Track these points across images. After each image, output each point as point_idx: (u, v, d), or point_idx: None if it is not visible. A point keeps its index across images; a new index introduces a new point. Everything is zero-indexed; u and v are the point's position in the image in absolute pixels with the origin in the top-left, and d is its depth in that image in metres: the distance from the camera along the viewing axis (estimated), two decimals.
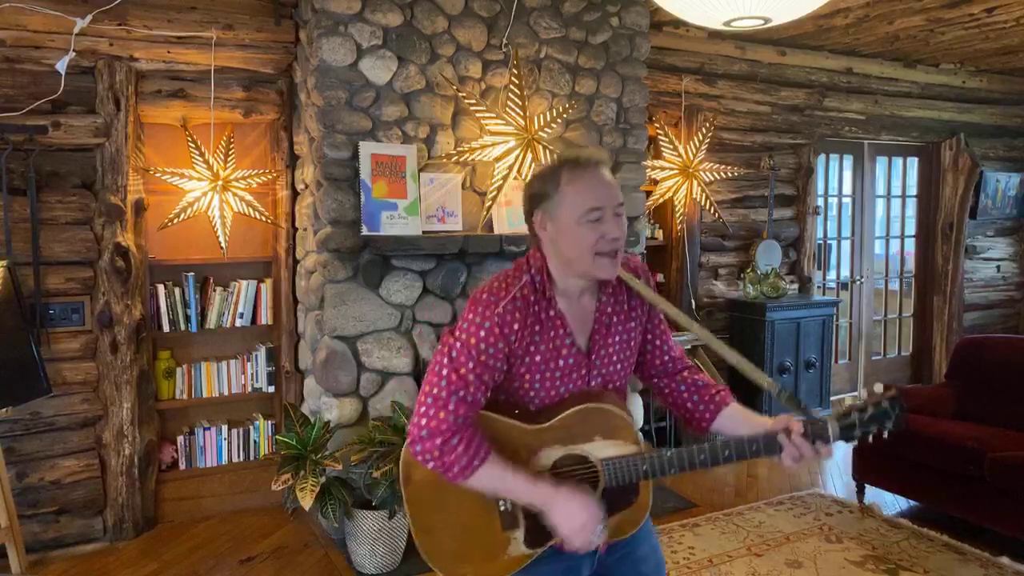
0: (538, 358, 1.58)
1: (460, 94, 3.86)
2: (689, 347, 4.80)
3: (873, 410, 1.53)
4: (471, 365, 1.51)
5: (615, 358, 1.67)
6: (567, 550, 1.57)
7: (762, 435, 1.56)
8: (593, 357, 1.64)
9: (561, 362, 1.60)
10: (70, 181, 3.68)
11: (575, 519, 1.51)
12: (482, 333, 1.52)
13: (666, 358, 1.78)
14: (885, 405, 1.54)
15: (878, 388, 1.61)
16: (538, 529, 1.59)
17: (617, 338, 1.67)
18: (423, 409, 1.51)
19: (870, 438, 1.57)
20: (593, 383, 1.65)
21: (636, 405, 4.53)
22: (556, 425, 1.59)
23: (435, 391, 1.51)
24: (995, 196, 6.90)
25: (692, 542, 3.68)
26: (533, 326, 1.57)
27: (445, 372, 1.52)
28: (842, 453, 5.02)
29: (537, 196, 1.59)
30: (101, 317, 3.69)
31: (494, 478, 1.52)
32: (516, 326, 1.54)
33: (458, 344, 1.53)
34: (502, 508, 1.62)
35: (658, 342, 1.77)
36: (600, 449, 1.59)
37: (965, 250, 6.78)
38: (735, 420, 1.72)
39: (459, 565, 1.65)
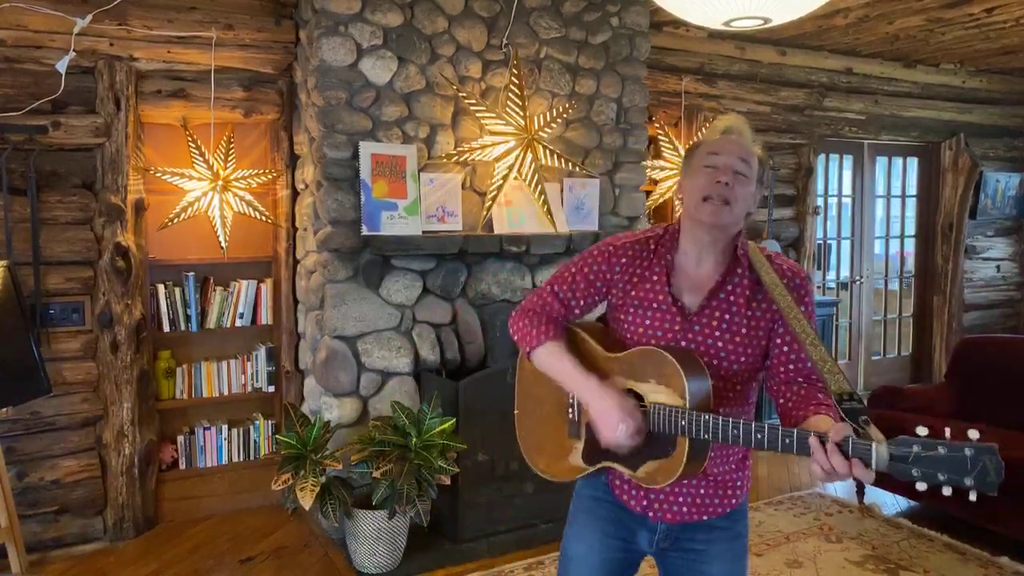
0: (634, 293, 1.69)
1: (460, 94, 3.86)
2: None
3: (945, 452, 1.21)
4: (572, 270, 1.76)
5: (716, 332, 1.62)
6: (600, 438, 1.61)
7: (799, 431, 1.39)
8: (692, 319, 1.64)
9: (655, 305, 1.67)
10: (70, 181, 3.68)
11: (604, 403, 1.59)
12: (595, 253, 1.75)
13: (790, 366, 1.64)
14: (968, 452, 1.20)
15: (973, 434, 1.22)
16: (594, 448, 1.70)
17: (727, 316, 1.63)
18: (528, 297, 1.82)
19: (946, 490, 1.24)
20: (684, 344, 1.63)
21: None
22: (624, 358, 1.67)
23: (540, 287, 1.82)
24: (995, 196, 6.91)
25: None
26: (641, 268, 1.70)
27: (553, 275, 1.80)
28: None
29: (688, 153, 1.74)
30: (101, 317, 3.69)
31: (555, 357, 1.70)
32: (624, 260, 1.71)
33: (574, 260, 1.79)
34: (570, 415, 1.77)
35: (785, 348, 1.64)
36: (653, 392, 1.60)
37: (965, 250, 6.78)
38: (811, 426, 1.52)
39: (536, 455, 1.87)
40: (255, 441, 4.21)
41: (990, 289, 7.19)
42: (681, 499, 1.69)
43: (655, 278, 1.68)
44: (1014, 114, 7.04)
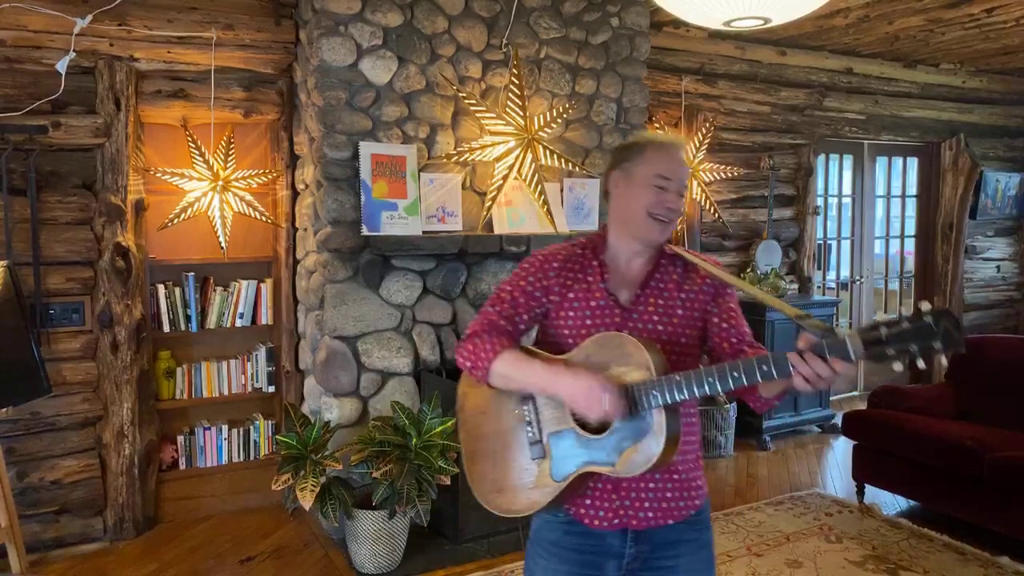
0: (571, 295, 1.72)
1: (460, 94, 3.86)
2: None
3: (909, 324, 1.31)
4: (509, 288, 1.76)
5: (655, 317, 1.70)
6: (580, 414, 1.59)
7: (773, 355, 1.44)
8: (630, 311, 1.70)
9: (593, 303, 1.71)
10: (70, 181, 3.68)
11: (581, 382, 1.56)
12: (525, 266, 1.78)
13: (733, 339, 1.73)
14: (927, 320, 1.29)
15: (925, 306, 1.32)
16: (564, 458, 1.66)
17: (662, 301, 1.72)
18: (470, 324, 1.77)
19: (917, 362, 1.31)
20: (626, 333, 1.67)
21: None
22: (577, 352, 1.67)
23: (480, 312, 1.78)
24: (995, 196, 6.91)
25: None
26: (573, 271, 1.75)
27: (490, 298, 1.78)
28: (843, 454, 5.03)
29: (622, 155, 1.78)
30: (101, 317, 3.69)
31: (513, 364, 1.66)
32: (556, 264, 1.75)
33: (505, 279, 1.80)
34: (530, 436, 1.70)
35: (725, 324, 1.74)
36: (617, 376, 1.60)
37: (965, 250, 6.78)
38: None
39: (496, 495, 1.76)
40: (255, 441, 4.21)
41: (990, 289, 7.19)
42: (648, 503, 1.69)
43: (590, 279, 1.73)
44: (1014, 114, 7.05)
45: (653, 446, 1.57)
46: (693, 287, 1.75)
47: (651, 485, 1.69)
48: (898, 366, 1.34)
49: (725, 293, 1.77)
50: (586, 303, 1.71)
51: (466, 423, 1.83)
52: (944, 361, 1.32)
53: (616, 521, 1.69)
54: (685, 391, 1.52)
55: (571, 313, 1.72)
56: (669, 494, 1.70)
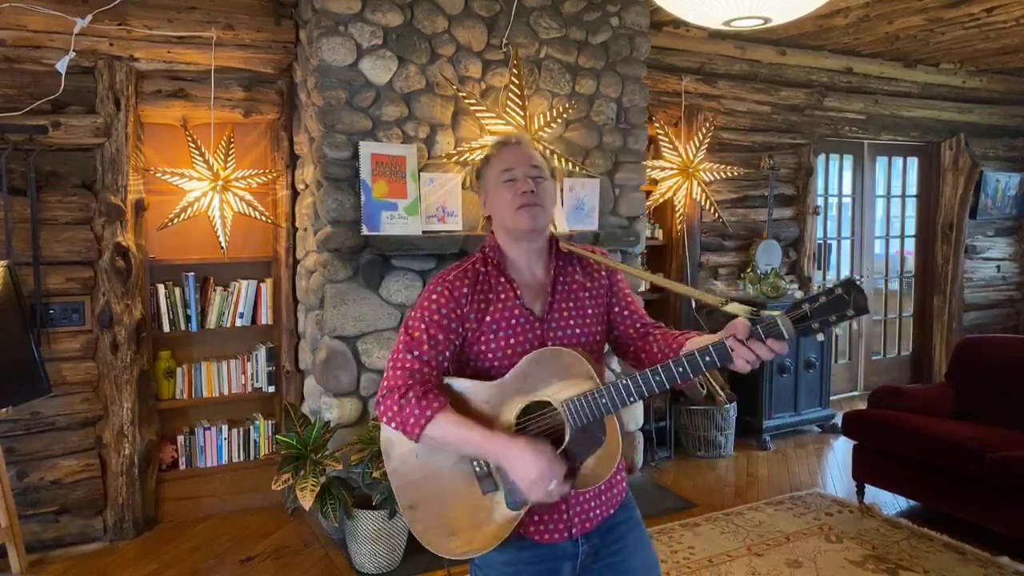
0: (488, 318, 1.67)
1: (460, 94, 3.86)
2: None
3: (826, 299, 1.44)
4: (422, 326, 1.64)
5: (571, 322, 1.72)
6: (532, 501, 1.57)
7: (711, 344, 1.50)
8: (547, 320, 1.71)
9: (513, 321, 1.68)
10: (70, 181, 3.68)
11: (531, 469, 1.52)
12: (433, 296, 1.67)
13: (638, 324, 1.81)
14: (839, 291, 1.43)
15: (832, 281, 1.50)
16: (518, 487, 1.59)
17: (571, 303, 1.74)
18: (385, 374, 1.65)
19: (834, 329, 1.43)
20: (549, 344, 1.68)
21: (636, 407, 4.53)
22: (513, 375, 1.63)
23: (393, 356, 1.65)
24: (995, 196, 6.91)
25: (692, 542, 3.68)
26: (484, 292, 1.69)
27: (402, 338, 1.66)
28: (843, 454, 5.03)
29: (478, 178, 1.81)
30: (101, 317, 3.69)
31: (449, 429, 1.56)
32: (465, 290, 1.67)
33: (413, 314, 1.68)
34: (477, 470, 1.63)
35: (626, 312, 1.81)
36: (560, 391, 1.59)
37: (965, 250, 6.78)
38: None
39: (448, 539, 1.66)
40: (255, 441, 4.21)
41: (990, 289, 7.19)
42: (593, 502, 1.71)
43: (503, 295, 1.69)
44: (1014, 114, 7.04)
45: (614, 450, 1.59)
46: (594, 283, 1.79)
47: (590, 489, 1.69)
48: (820, 336, 1.50)
49: (618, 281, 1.82)
50: (506, 323, 1.67)
51: (398, 471, 1.70)
52: (856, 326, 1.45)
53: (567, 533, 1.69)
54: (635, 394, 1.54)
55: (491, 336, 1.66)
56: (603, 486, 1.72)
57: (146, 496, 3.85)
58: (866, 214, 6.64)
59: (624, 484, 1.81)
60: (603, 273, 1.80)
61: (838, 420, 5.20)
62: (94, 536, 3.76)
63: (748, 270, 5.59)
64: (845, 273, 6.59)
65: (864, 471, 4.16)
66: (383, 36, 3.71)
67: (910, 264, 7.02)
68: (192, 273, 4.04)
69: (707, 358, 1.49)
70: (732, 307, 1.53)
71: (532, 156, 1.75)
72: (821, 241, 6.28)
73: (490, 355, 1.66)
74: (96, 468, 3.77)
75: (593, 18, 4.25)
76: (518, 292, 1.70)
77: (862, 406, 4.52)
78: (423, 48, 3.81)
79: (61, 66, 3.51)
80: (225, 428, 4.14)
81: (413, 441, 1.60)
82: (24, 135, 3.50)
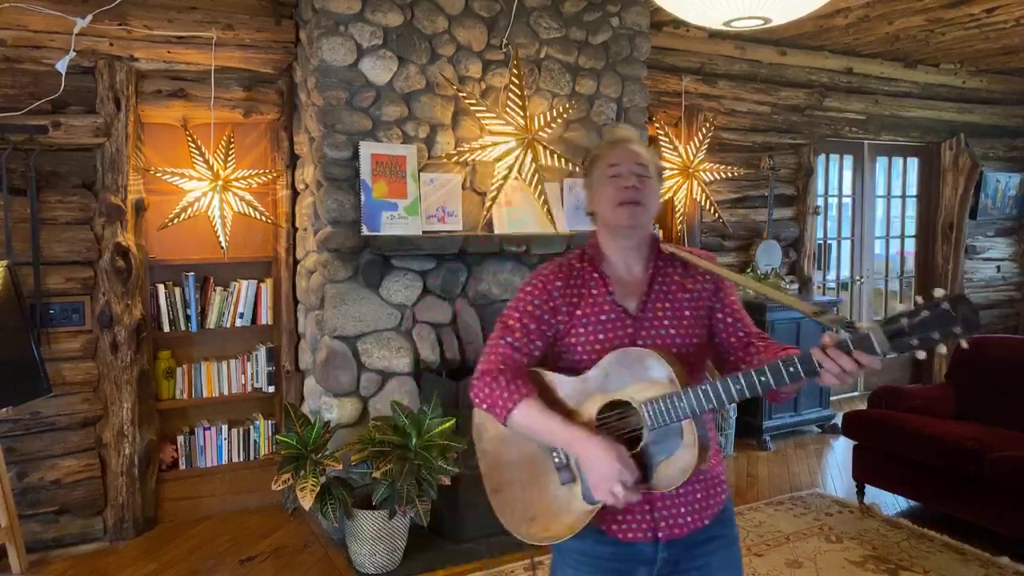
0: (579, 312, 1.69)
1: (460, 94, 3.86)
2: None
3: (929, 313, 1.32)
4: (516, 315, 1.71)
5: (665, 322, 1.69)
6: (597, 499, 1.57)
7: (798, 355, 1.45)
8: (640, 318, 1.69)
9: (603, 316, 1.68)
10: (70, 181, 3.68)
11: (600, 466, 1.53)
12: (528, 288, 1.73)
13: (740, 333, 1.74)
14: (945, 306, 1.31)
15: (938, 292, 1.34)
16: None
17: (668, 304, 1.71)
18: (480, 358, 1.70)
19: (942, 348, 1.33)
20: (640, 343, 1.66)
21: None
22: (595, 372, 1.63)
23: (489, 342, 1.72)
24: (995, 196, 6.91)
25: None
26: (577, 287, 1.72)
27: (497, 327, 1.72)
28: (843, 454, 5.03)
29: (584, 171, 1.83)
30: (101, 317, 3.69)
31: (534, 416, 1.61)
32: (559, 283, 1.72)
33: (510, 304, 1.74)
34: (556, 460, 1.66)
35: (730, 319, 1.75)
36: (640, 392, 1.58)
37: (965, 250, 6.78)
38: None
39: (529, 524, 1.71)
40: (255, 441, 4.21)
41: (990, 289, 7.19)
42: (684, 508, 1.68)
43: (595, 291, 1.71)
44: (1014, 114, 7.05)
45: (686, 457, 1.55)
46: (696, 285, 1.74)
47: (682, 492, 1.67)
48: (922, 354, 1.36)
49: (725, 287, 1.77)
50: (596, 317, 1.68)
51: (486, 454, 1.79)
52: (964, 344, 1.35)
53: (650, 534, 1.67)
54: (714, 400, 1.51)
55: (581, 330, 1.68)
56: (699, 495, 1.69)
57: (146, 496, 3.85)
58: (866, 214, 6.64)
59: (725, 496, 1.76)
60: (707, 276, 1.76)
61: (838, 420, 5.20)
62: (94, 536, 3.76)
63: (748, 270, 5.59)
64: (845, 273, 6.60)
65: (864, 471, 4.16)
66: (383, 36, 3.71)
67: (910, 264, 7.02)
68: (192, 273, 4.04)
69: (791, 369, 1.44)
70: (825, 318, 1.48)
71: (640, 154, 1.75)
72: (821, 241, 6.29)
73: (579, 348, 1.68)
74: (96, 468, 3.77)
75: (593, 18, 4.25)
76: (610, 288, 1.71)
77: (862, 406, 4.51)
78: (423, 48, 3.81)
79: (61, 66, 3.51)
80: (225, 428, 4.14)
81: (501, 424, 1.65)
82: (24, 135, 3.50)
